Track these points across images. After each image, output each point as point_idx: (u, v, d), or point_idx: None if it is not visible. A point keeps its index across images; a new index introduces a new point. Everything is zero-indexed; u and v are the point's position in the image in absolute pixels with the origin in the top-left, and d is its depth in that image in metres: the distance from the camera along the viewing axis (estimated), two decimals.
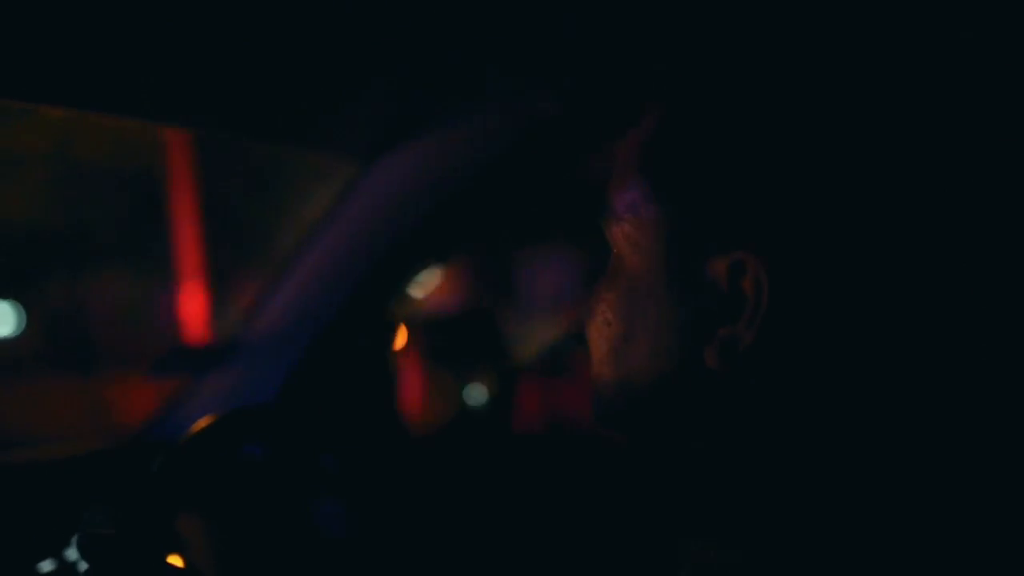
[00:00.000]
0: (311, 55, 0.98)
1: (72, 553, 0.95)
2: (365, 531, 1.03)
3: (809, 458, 0.56)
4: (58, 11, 0.83)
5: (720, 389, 0.59)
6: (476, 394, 1.29)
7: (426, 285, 1.34)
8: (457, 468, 1.14)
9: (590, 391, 0.68)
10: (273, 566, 0.96)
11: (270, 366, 1.23)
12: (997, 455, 0.56)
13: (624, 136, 0.66)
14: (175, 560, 0.95)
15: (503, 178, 1.19)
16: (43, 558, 0.94)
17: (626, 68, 1.08)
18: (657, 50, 1.02)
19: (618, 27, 0.99)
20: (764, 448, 0.57)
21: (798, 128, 0.56)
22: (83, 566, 0.95)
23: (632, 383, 0.64)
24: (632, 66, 1.07)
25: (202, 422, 0.96)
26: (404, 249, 1.22)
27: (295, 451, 1.01)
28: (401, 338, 1.31)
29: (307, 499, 1.02)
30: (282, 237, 1.31)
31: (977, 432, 0.56)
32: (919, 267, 0.55)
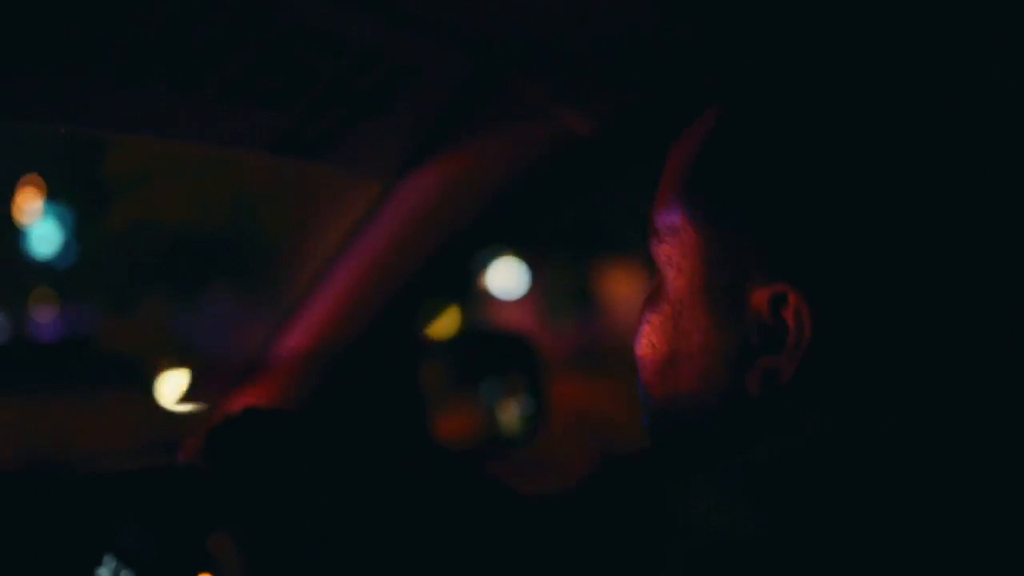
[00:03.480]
0: (336, 72, 0.99)
1: (105, 572, 0.95)
2: (396, 547, 1.02)
3: (842, 484, 0.55)
4: (96, 31, 0.83)
5: (760, 415, 0.59)
6: (507, 414, 1.29)
7: (456, 303, 1.34)
8: (483, 485, 1.13)
9: (640, 406, 0.69)
10: None
11: (301, 383, 1.23)
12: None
13: (669, 154, 0.66)
14: None
15: (531, 196, 1.19)
16: None
17: (664, 88, 1.07)
18: (704, 67, 1.01)
19: (658, 42, 0.98)
20: (801, 473, 0.56)
21: (856, 163, 0.56)
22: None
23: (677, 405, 0.64)
24: (672, 85, 1.06)
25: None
26: (432, 267, 1.22)
27: (327, 466, 1.01)
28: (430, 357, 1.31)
29: (340, 516, 1.01)
30: (312, 255, 1.31)
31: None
32: (967, 308, 0.55)
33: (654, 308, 0.66)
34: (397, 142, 1.14)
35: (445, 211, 1.19)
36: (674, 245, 0.63)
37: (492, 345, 1.36)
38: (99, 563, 0.95)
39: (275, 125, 1.05)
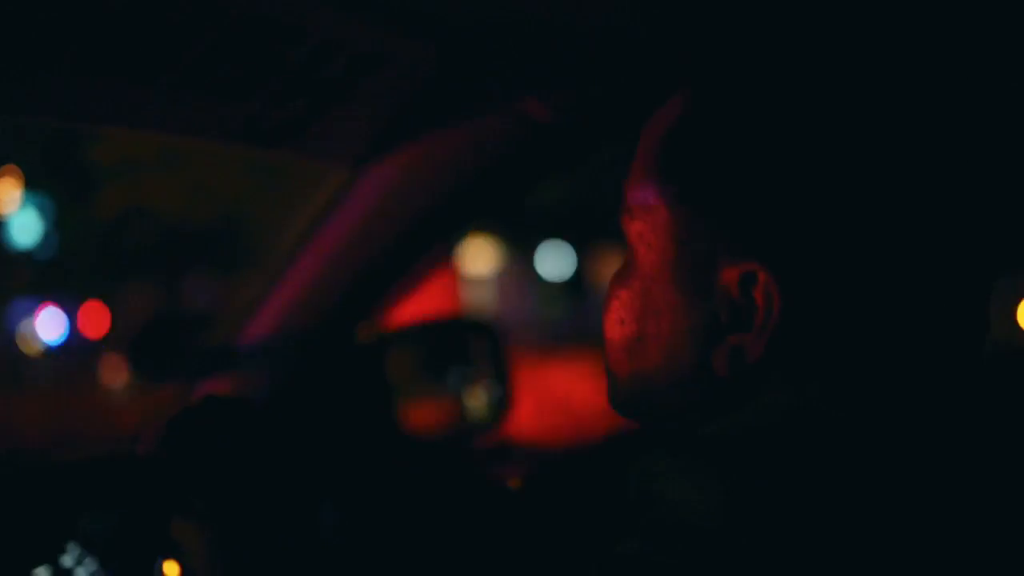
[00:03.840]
0: (298, 61, 0.99)
1: (68, 560, 0.95)
2: (362, 536, 1.03)
3: (798, 462, 0.56)
4: (57, 25, 0.83)
5: (726, 393, 0.60)
6: (474, 401, 1.30)
7: (420, 290, 1.34)
8: (452, 473, 1.14)
9: (606, 380, 0.69)
10: (269, 571, 0.96)
11: (265, 371, 1.23)
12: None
13: (643, 131, 0.66)
14: (170, 566, 0.95)
15: (494, 182, 1.19)
16: (38, 564, 0.94)
17: (625, 76, 1.07)
18: (666, 55, 1.02)
19: (619, 31, 0.98)
20: (757, 449, 0.57)
21: (827, 144, 0.56)
22: (79, 573, 0.96)
23: (645, 380, 0.65)
24: (633, 73, 1.06)
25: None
26: (397, 255, 1.22)
27: (291, 454, 1.01)
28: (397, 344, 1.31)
29: (305, 503, 1.02)
30: (277, 241, 1.31)
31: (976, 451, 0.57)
32: (934, 292, 0.56)
33: (623, 284, 0.66)
34: (361, 130, 1.14)
35: (409, 198, 1.19)
36: (646, 222, 0.63)
37: (457, 333, 1.37)
38: (63, 551, 0.95)
39: (238, 114, 1.05)
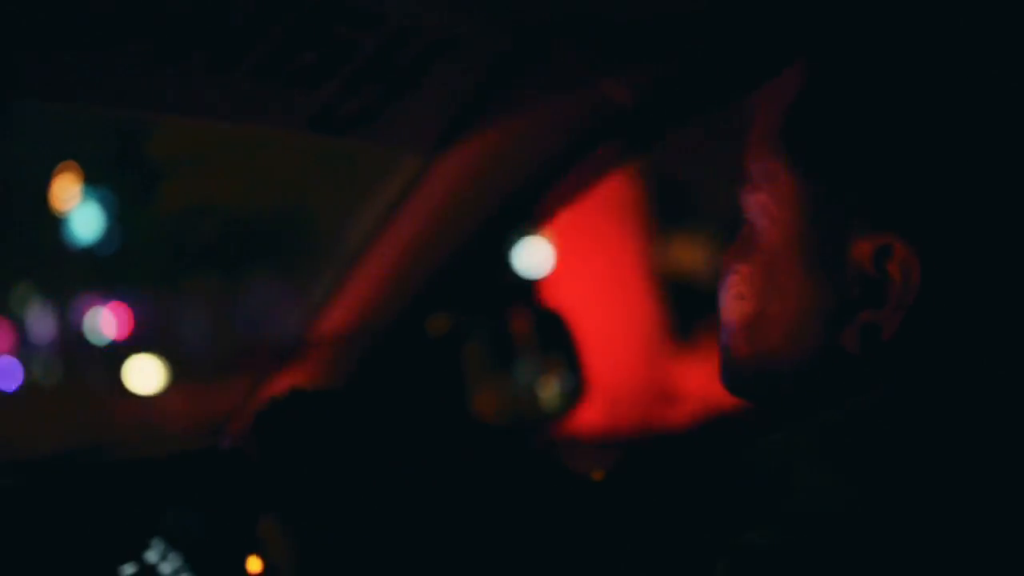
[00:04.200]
0: (373, 47, 0.97)
1: (153, 556, 0.95)
2: (444, 529, 1.01)
3: (938, 451, 0.53)
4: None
5: (857, 372, 0.57)
6: (547, 390, 1.29)
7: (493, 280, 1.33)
8: (533, 463, 1.12)
9: (720, 359, 0.66)
10: (353, 567, 0.95)
11: (343, 363, 1.23)
12: None
13: (761, 97, 0.63)
14: (253, 561, 0.95)
15: (570, 170, 1.17)
16: (124, 561, 0.94)
17: (704, 56, 1.03)
18: (743, 35, 0.98)
19: (696, 10, 0.94)
20: (899, 433, 0.54)
21: (977, 107, 0.53)
22: (164, 568, 0.96)
23: (766, 360, 0.62)
24: (711, 53, 1.02)
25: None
26: (473, 243, 1.21)
27: (375, 448, 1.00)
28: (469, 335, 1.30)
29: (388, 497, 1.00)
30: (345, 233, 1.30)
31: None
32: None
33: (743, 258, 0.63)
34: (436, 116, 1.12)
35: (486, 185, 1.17)
36: (770, 193, 0.60)
37: (530, 322, 1.35)
38: (147, 547, 0.95)
39: (312, 102, 1.04)
